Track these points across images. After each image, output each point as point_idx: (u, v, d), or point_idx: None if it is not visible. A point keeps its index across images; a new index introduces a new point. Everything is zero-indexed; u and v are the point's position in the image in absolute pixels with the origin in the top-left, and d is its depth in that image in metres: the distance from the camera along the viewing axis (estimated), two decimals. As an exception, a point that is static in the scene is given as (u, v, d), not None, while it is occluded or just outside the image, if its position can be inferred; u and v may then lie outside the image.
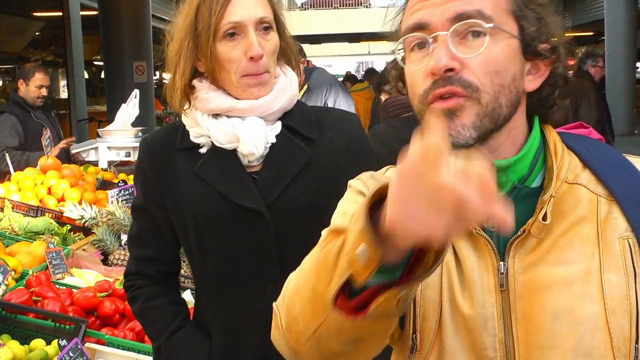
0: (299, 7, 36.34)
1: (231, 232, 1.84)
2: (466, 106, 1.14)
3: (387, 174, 1.34)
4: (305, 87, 4.89)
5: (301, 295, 1.11)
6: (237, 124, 1.82)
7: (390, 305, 0.98)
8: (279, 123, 1.88)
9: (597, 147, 1.28)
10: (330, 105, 4.88)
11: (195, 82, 1.86)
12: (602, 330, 1.14)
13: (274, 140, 1.85)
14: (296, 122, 1.90)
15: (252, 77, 1.80)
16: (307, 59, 5.25)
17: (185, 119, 1.90)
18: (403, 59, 1.23)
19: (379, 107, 4.69)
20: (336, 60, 45.19)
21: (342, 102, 4.97)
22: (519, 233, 1.19)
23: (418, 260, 0.96)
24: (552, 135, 1.26)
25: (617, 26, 15.32)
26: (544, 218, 1.17)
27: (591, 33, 22.22)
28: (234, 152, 1.85)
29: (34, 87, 6.08)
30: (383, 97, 4.47)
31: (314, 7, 33.96)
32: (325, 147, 1.88)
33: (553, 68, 1.24)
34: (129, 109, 5.57)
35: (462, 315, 1.19)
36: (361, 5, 34.00)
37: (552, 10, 1.24)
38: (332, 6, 33.65)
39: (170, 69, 1.87)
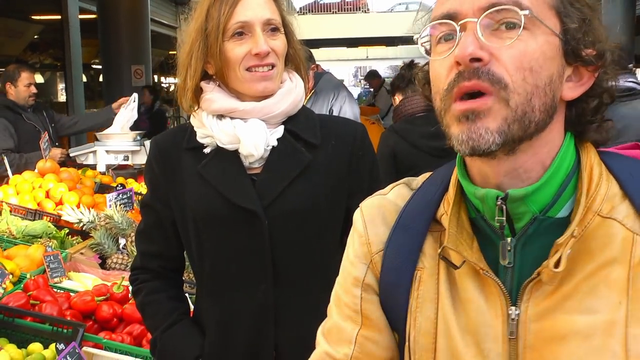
0: (297, 12, 36.31)
1: (227, 231, 1.88)
2: (493, 108, 1.01)
3: (390, 195, 1.25)
4: (312, 91, 4.89)
5: None
6: (239, 125, 1.86)
7: None
8: (282, 127, 1.91)
9: None
10: (335, 110, 4.88)
11: (203, 83, 1.91)
12: None
13: (275, 143, 1.89)
14: (299, 127, 1.92)
15: (256, 71, 1.84)
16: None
17: (193, 120, 1.96)
18: (427, 52, 1.11)
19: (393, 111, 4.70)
20: (334, 65, 45.20)
21: (347, 109, 4.96)
22: (533, 275, 1.04)
23: None
24: (589, 157, 1.09)
25: (614, 32, 15.31)
26: (557, 265, 1.01)
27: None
28: (236, 153, 1.89)
29: (22, 86, 6.09)
30: (397, 98, 4.48)
31: (312, 11, 33.97)
32: (327, 154, 1.90)
33: (598, 79, 1.09)
34: (128, 113, 5.56)
35: None
36: (359, 10, 34.01)
37: (600, 14, 1.10)
38: (330, 11, 33.66)
39: (180, 71, 1.92)
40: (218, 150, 1.90)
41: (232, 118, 1.88)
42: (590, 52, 1.06)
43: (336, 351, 1.23)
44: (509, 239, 1.07)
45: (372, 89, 14.23)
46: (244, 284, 1.89)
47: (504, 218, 1.06)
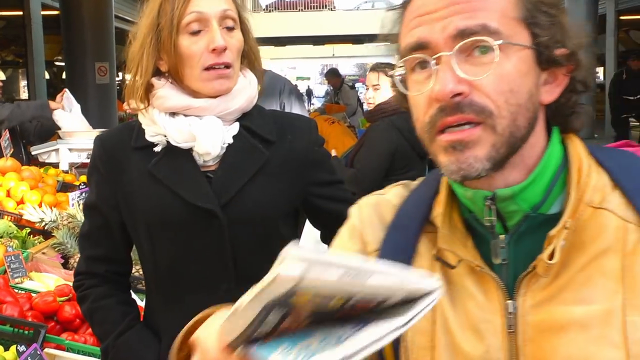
0: (264, 9, 36.30)
1: (184, 232, 1.83)
2: (481, 137, 1.02)
3: (388, 195, 1.24)
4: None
5: None
6: (194, 122, 1.81)
7: None
8: (237, 124, 1.87)
9: (633, 163, 1.10)
10: (287, 106, 4.87)
11: (154, 80, 1.85)
12: None
13: (230, 140, 1.84)
14: (255, 123, 1.89)
15: (214, 70, 1.80)
16: (266, 60, 5.22)
17: (141, 118, 1.89)
18: (404, 82, 1.10)
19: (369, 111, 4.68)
20: (301, 63, 45.26)
21: (296, 106, 4.94)
22: (529, 269, 1.06)
23: None
24: (577, 150, 1.10)
25: (582, 27, 15.56)
26: (551, 257, 1.03)
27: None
28: (189, 151, 1.84)
29: None
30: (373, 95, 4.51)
31: (278, 9, 33.98)
32: (284, 149, 1.88)
33: (572, 74, 1.10)
34: (76, 110, 5.61)
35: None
36: (326, 7, 34.08)
37: (565, 11, 1.10)
38: (296, 8, 33.69)
39: (131, 68, 1.86)
40: (169, 149, 1.84)
41: (186, 115, 1.83)
42: (562, 52, 1.06)
43: None
44: (502, 237, 1.09)
45: (332, 88, 14.09)
46: (205, 286, 1.84)
47: (494, 217, 1.08)
